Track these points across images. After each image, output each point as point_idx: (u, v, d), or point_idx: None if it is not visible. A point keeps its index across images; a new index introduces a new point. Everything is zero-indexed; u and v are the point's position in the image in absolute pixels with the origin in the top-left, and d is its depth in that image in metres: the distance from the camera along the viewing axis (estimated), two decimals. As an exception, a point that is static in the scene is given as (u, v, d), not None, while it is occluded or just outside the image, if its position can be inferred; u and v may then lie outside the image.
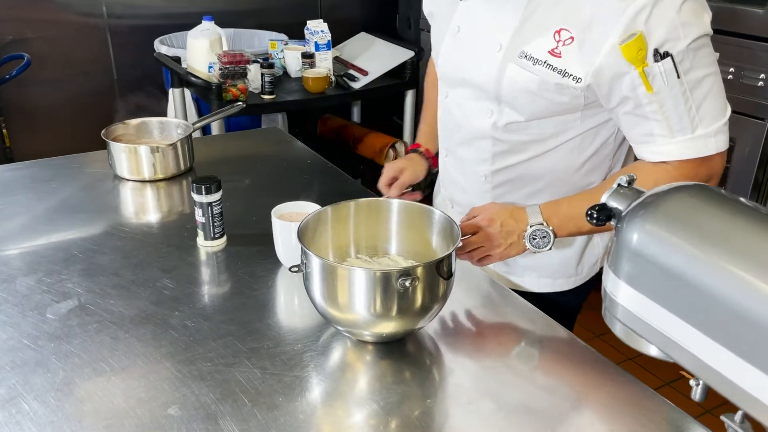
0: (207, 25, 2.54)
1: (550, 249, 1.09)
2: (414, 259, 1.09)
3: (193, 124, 1.67)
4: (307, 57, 2.64)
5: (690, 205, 0.59)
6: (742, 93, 2.07)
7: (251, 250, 1.27)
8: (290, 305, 1.15)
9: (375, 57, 2.84)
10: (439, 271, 0.93)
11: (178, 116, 2.64)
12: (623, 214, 0.59)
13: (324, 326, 1.04)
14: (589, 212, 0.61)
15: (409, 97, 2.81)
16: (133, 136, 1.66)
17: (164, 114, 2.87)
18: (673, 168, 1.02)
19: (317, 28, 2.67)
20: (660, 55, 0.93)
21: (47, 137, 3.11)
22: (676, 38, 0.93)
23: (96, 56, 3.11)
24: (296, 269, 1.00)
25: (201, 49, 2.52)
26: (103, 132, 1.57)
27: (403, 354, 0.99)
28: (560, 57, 1.01)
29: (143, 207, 1.50)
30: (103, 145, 1.58)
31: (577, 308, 1.39)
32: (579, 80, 1.00)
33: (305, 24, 2.75)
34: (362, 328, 0.96)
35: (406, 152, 1.33)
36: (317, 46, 2.66)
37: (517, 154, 1.17)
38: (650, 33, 0.92)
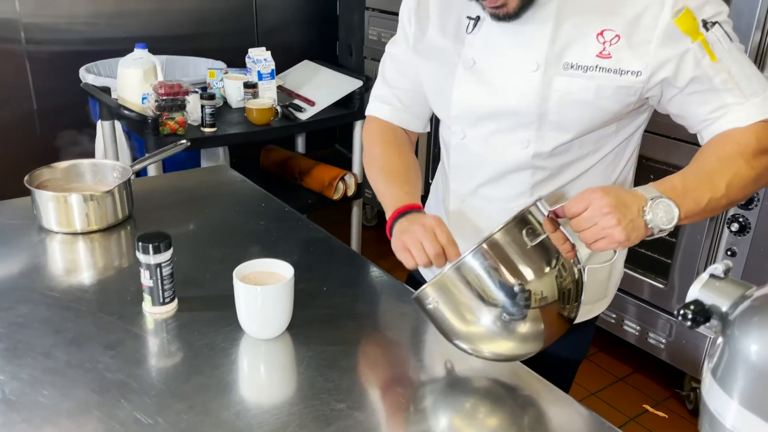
0: (140, 54, 2.35)
1: (673, 228, 0.94)
2: None
3: (131, 165, 1.49)
4: (250, 87, 2.48)
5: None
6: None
7: (208, 316, 1.10)
8: (258, 383, 0.99)
9: (321, 86, 2.70)
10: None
11: (108, 151, 2.42)
12: (730, 316, 0.48)
13: (294, 409, 0.90)
14: (682, 311, 0.50)
15: (358, 127, 2.69)
16: (61, 181, 1.46)
17: (92, 148, 2.63)
18: (752, 132, 1.00)
19: (260, 57, 2.52)
20: (710, 24, 0.97)
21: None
22: (718, 10, 0.98)
23: (13, 84, 2.85)
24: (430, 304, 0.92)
25: (134, 78, 2.32)
26: (26, 178, 1.37)
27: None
28: (611, 57, 0.99)
29: (76, 265, 1.30)
30: (23, 187, 1.37)
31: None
32: (639, 74, 0.99)
33: (242, 50, 2.59)
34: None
35: (397, 214, 1.09)
36: (260, 76, 2.51)
37: (557, 179, 1.12)
38: (696, 7, 0.96)
